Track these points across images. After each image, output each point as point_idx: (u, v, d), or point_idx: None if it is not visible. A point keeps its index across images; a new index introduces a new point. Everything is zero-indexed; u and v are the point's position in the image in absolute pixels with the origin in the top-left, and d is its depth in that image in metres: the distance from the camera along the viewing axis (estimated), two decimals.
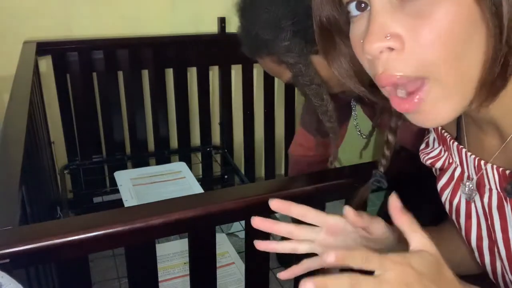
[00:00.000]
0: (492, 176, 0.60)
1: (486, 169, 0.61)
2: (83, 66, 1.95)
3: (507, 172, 0.57)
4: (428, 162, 0.74)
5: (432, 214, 1.08)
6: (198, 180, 1.96)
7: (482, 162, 0.61)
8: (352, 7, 0.52)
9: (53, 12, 1.91)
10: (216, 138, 2.29)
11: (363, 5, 0.51)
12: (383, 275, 0.45)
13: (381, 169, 0.71)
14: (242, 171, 2.27)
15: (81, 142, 2.04)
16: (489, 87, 0.47)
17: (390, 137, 0.68)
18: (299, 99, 2.24)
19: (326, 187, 0.94)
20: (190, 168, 2.07)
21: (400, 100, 0.50)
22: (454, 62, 0.45)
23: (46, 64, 1.94)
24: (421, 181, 0.93)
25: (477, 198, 0.64)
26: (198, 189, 1.85)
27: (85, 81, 1.97)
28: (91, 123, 2.03)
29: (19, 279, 0.65)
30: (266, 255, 0.95)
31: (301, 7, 0.87)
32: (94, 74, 1.99)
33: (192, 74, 2.15)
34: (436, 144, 0.72)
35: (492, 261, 0.66)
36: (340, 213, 0.66)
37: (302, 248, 0.66)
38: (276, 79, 2.20)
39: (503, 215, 0.60)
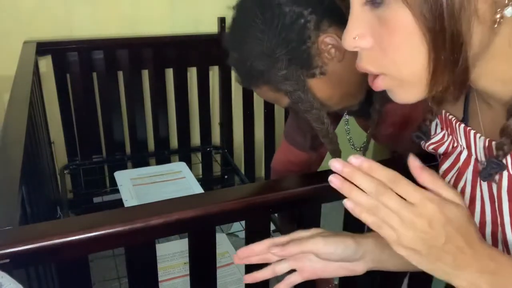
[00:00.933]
0: (505, 158, 0.59)
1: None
2: (83, 66, 1.95)
3: None
4: (430, 147, 0.73)
5: None
6: (198, 180, 1.96)
7: (489, 141, 0.61)
8: None
9: (53, 12, 1.91)
10: (216, 138, 2.29)
11: None
12: (419, 206, 0.50)
13: (427, 122, 0.71)
14: (242, 171, 2.28)
15: (81, 142, 2.04)
16: (442, 73, 0.53)
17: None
18: None
19: (325, 187, 0.94)
20: (190, 168, 2.07)
21: (371, 79, 0.58)
22: (407, 64, 0.53)
23: (46, 64, 1.94)
24: None
25: (484, 184, 0.64)
26: (198, 189, 1.85)
27: (85, 81, 1.97)
28: (91, 123, 2.03)
29: (19, 279, 0.65)
30: None
31: (293, 33, 0.87)
32: (94, 74, 1.99)
33: (192, 74, 2.15)
34: (439, 129, 0.72)
35: (494, 246, 0.65)
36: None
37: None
38: None
39: None
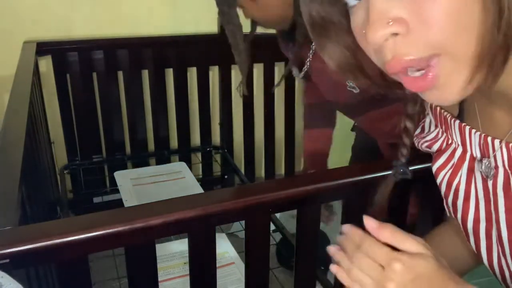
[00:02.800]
0: (500, 154, 0.58)
1: (494, 146, 0.58)
2: (83, 66, 1.95)
3: None
4: (424, 145, 0.73)
5: (436, 210, 1.08)
6: (198, 180, 1.96)
7: (489, 139, 0.59)
8: None
9: (53, 12, 1.91)
10: (216, 138, 2.29)
11: None
12: (386, 268, 0.53)
13: (403, 159, 0.65)
14: (242, 171, 2.27)
15: (81, 142, 2.04)
16: (493, 57, 0.46)
17: (409, 124, 0.63)
18: (299, 99, 2.24)
19: (325, 187, 0.94)
20: (190, 168, 2.07)
21: (413, 79, 0.48)
22: (461, 33, 0.45)
23: (46, 64, 1.94)
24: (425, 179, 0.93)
25: (479, 178, 0.63)
26: (198, 189, 1.84)
27: (85, 81, 1.97)
28: (91, 123, 2.03)
29: (19, 279, 0.65)
30: (266, 255, 0.95)
31: None
32: (94, 74, 1.99)
33: (192, 74, 2.15)
34: (433, 127, 0.71)
35: (488, 245, 0.65)
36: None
37: None
38: (276, 80, 2.20)
39: (509, 195, 0.59)
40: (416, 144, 0.74)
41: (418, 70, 0.48)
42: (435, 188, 0.74)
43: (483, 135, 0.61)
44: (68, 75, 1.95)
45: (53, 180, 1.80)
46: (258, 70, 2.19)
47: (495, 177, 0.60)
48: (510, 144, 0.56)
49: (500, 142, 0.57)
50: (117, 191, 1.84)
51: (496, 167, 0.59)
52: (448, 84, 0.48)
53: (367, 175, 0.94)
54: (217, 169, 2.32)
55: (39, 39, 1.88)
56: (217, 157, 2.31)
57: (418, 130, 0.75)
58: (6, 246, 0.71)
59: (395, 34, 0.46)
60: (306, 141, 1.62)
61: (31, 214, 0.99)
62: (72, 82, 1.96)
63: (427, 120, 0.73)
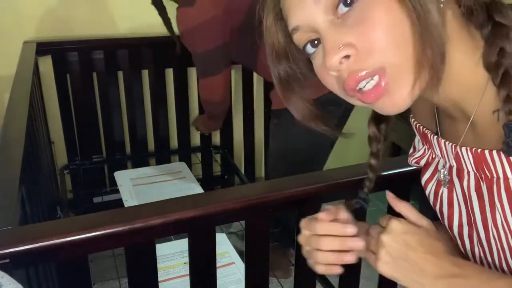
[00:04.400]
0: (467, 158, 0.64)
1: (461, 153, 0.65)
2: (83, 66, 1.95)
3: (479, 150, 0.62)
4: (414, 162, 0.80)
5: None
6: (198, 180, 1.96)
7: (454, 146, 0.67)
8: (308, 48, 0.61)
9: (53, 12, 1.91)
10: (216, 138, 2.29)
11: (316, 41, 0.60)
12: (387, 228, 0.64)
13: (366, 190, 0.76)
14: (242, 171, 2.27)
15: (81, 142, 2.04)
16: (431, 60, 0.55)
17: (373, 162, 0.75)
18: None
19: (325, 187, 0.94)
20: (190, 168, 2.07)
21: (367, 93, 0.58)
22: (399, 47, 0.54)
23: (46, 64, 1.93)
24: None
25: (457, 184, 0.69)
26: (198, 189, 1.85)
27: (85, 81, 1.97)
28: (91, 123, 2.03)
29: (19, 279, 0.65)
30: (266, 255, 0.95)
31: None
32: (94, 74, 1.99)
33: (192, 74, 2.15)
34: (421, 145, 0.78)
35: (471, 248, 0.70)
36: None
37: None
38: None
39: (481, 196, 0.65)
40: (409, 162, 0.81)
41: (372, 79, 0.57)
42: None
43: (452, 145, 0.67)
44: (68, 75, 1.95)
45: (53, 180, 1.80)
46: None
47: (468, 181, 0.67)
48: (473, 149, 0.63)
49: (466, 149, 0.64)
50: (117, 191, 1.84)
51: (468, 172, 0.66)
52: (396, 89, 0.57)
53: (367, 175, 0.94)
54: (217, 169, 2.32)
55: (39, 39, 1.88)
56: (217, 157, 2.31)
57: (411, 150, 0.82)
58: (6, 246, 0.71)
59: (347, 57, 0.56)
60: (204, 90, 1.80)
61: (31, 214, 0.99)
62: (72, 82, 1.96)
63: (416, 139, 0.79)
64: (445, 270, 0.61)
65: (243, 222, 0.92)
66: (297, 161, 1.69)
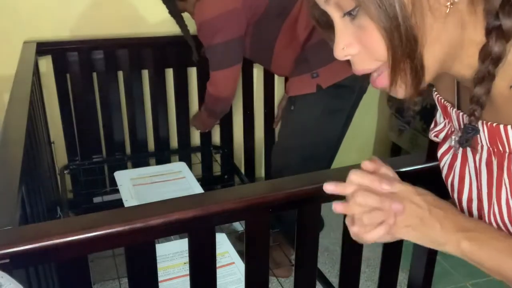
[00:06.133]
0: (482, 131, 0.66)
1: (478, 126, 0.67)
2: (83, 66, 1.95)
3: (494, 125, 0.64)
4: (433, 135, 0.81)
5: None
6: (198, 180, 1.96)
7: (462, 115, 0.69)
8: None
9: (53, 12, 1.91)
10: (216, 138, 2.29)
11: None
12: (399, 192, 0.67)
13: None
14: (242, 171, 2.28)
15: (81, 142, 2.04)
16: (415, 59, 0.60)
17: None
18: None
19: None
20: (190, 168, 2.06)
21: (374, 79, 0.65)
22: (389, 49, 0.60)
23: (46, 64, 1.94)
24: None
25: (470, 158, 0.71)
26: (198, 189, 1.84)
27: (85, 81, 1.97)
28: (91, 123, 2.03)
29: (19, 279, 0.65)
30: (266, 255, 0.95)
31: None
32: (94, 74, 1.99)
33: (192, 74, 2.15)
34: (442, 119, 0.79)
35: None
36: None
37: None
38: (276, 80, 2.20)
39: (490, 171, 0.67)
40: (429, 136, 0.83)
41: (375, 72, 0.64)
42: (440, 189, 0.76)
43: (468, 117, 0.68)
44: (68, 75, 1.95)
45: (53, 180, 1.80)
46: (258, 70, 2.19)
47: (480, 155, 0.68)
48: (489, 123, 0.65)
49: (482, 123, 0.66)
50: (117, 191, 1.83)
51: (482, 146, 0.68)
52: (394, 86, 0.63)
53: None
54: (217, 169, 2.32)
55: (39, 39, 1.88)
56: (217, 157, 2.31)
57: (432, 125, 0.83)
58: (6, 246, 0.71)
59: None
60: (213, 85, 1.80)
61: (31, 214, 0.99)
62: (72, 82, 1.96)
63: (438, 114, 0.81)
64: (461, 225, 0.65)
65: (243, 222, 0.92)
66: (303, 154, 1.72)
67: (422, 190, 0.68)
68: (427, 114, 0.73)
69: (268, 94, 2.20)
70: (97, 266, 1.59)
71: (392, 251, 1.11)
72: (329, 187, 0.71)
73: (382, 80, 0.64)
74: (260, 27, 1.71)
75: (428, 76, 0.63)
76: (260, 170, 2.40)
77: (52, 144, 1.96)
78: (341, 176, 0.98)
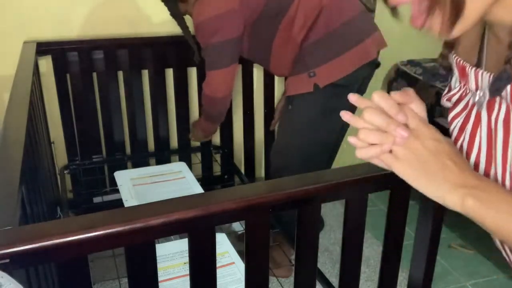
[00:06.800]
0: (505, 89, 0.64)
1: None
2: (83, 66, 1.95)
3: None
4: (445, 99, 0.80)
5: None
6: (198, 180, 1.96)
7: (493, 75, 0.66)
8: None
9: (53, 12, 1.91)
10: (216, 138, 2.29)
11: None
12: (415, 129, 0.63)
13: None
14: (242, 171, 2.28)
15: (81, 142, 2.04)
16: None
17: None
18: None
19: (325, 187, 0.94)
20: (190, 168, 2.07)
21: (414, 16, 0.62)
22: None
23: (46, 64, 1.94)
24: None
25: (484, 118, 0.69)
26: (198, 189, 1.84)
27: (85, 81, 1.97)
28: (91, 123, 2.03)
29: (19, 279, 0.65)
30: (266, 255, 0.95)
31: None
32: (94, 74, 1.99)
33: (192, 74, 2.15)
34: (457, 84, 0.78)
35: None
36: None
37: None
38: (276, 80, 2.20)
39: (507, 129, 0.65)
40: (441, 102, 0.81)
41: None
42: None
43: (491, 75, 0.67)
44: (68, 75, 1.95)
45: (53, 180, 1.80)
46: (258, 70, 2.19)
47: (498, 112, 0.66)
48: None
49: None
50: (117, 191, 1.84)
51: (500, 103, 0.66)
52: (433, 11, 0.59)
53: (367, 174, 0.94)
54: (217, 169, 2.32)
55: (39, 39, 1.88)
56: (217, 157, 2.31)
57: (446, 90, 0.81)
58: (6, 246, 0.71)
59: None
60: (209, 85, 1.80)
61: (31, 214, 0.99)
62: (72, 82, 1.96)
63: (454, 78, 0.79)
64: (466, 180, 0.62)
65: (243, 222, 0.92)
66: (302, 153, 1.72)
67: (443, 138, 0.64)
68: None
69: (268, 94, 2.21)
70: (97, 266, 1.59)
71: (392, 251, 1.11)
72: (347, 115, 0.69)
73: (420, 14, 0.60)
74: (257, 27, 1.71)
75: (468, 12, 0.59)
76: (260, 170, 2.40)
77: (52, 144, 1.96)
78: (339, 176, 0.98)
